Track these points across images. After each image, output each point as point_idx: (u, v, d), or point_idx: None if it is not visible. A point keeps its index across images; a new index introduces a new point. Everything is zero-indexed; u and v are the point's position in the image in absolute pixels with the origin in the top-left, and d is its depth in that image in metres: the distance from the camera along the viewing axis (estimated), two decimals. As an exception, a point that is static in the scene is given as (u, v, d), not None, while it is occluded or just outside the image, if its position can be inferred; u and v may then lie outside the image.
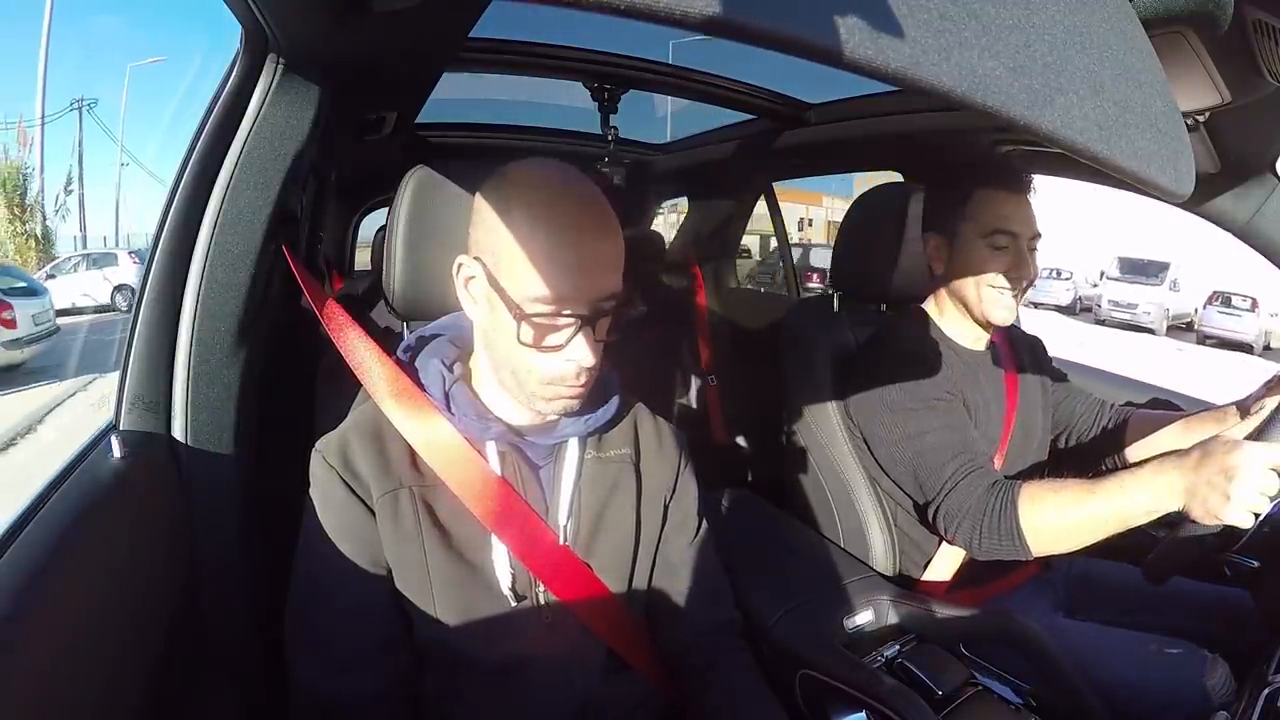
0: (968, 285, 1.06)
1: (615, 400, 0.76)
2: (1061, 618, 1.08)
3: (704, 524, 0.84)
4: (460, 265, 0.67)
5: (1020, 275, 1.02)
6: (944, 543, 1.07)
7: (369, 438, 0.69)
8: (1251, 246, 1.04)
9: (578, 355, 0.62)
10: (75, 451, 0.70)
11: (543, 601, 0.71)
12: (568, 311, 0.61)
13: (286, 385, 0.93)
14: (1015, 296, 1.04)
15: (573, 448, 0.74)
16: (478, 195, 0.66)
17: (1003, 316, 1.05)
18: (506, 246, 0.61)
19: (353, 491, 0.67)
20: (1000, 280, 1.03)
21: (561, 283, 0.60)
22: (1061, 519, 0.88)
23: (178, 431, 0.75)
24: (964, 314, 1.10)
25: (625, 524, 0.76)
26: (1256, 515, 0.74)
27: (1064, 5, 0.35)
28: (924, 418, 1.01)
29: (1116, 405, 1.22)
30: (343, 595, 0.67)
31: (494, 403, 0.72)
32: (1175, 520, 0.83)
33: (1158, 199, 0.49)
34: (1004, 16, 0.31)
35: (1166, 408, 1.24)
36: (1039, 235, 1.04)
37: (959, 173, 1.09)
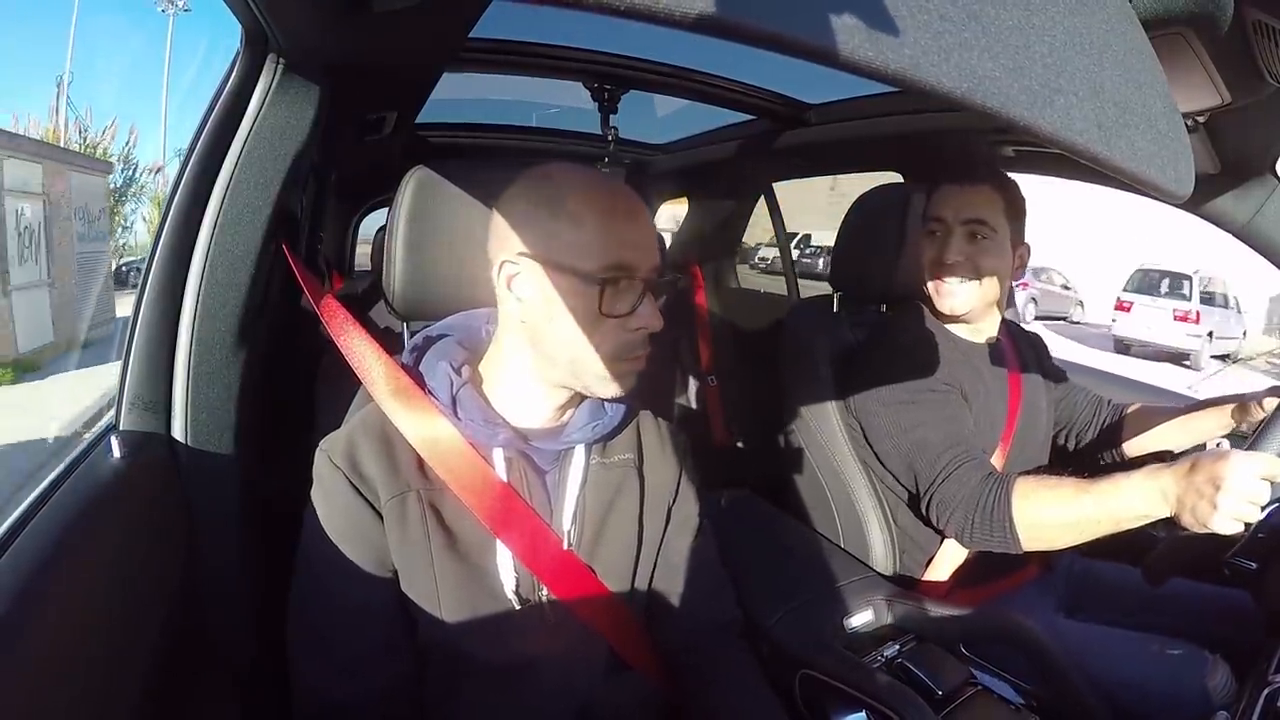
0: (925, 279, 1.09)
1: (621, 405, 0.76)
2: (1062, 618, 1.08)
3: (705, 525, 0.84)
4: (503, 264, 0.67)
5: (941, 259, 1.04)
6: (945, 542, 1.08)
7: (377, 440, 0.69)
8: (1251, 247, 1.04)
9: (646, 319, 0.66)
10: (75, 451, 0.70)
11: (546, 604, 0.71)
12: (634, 275, 0.65)
13: (286, 385, 0.93)
14: (956, 283, 1.05)
15: (579, 454, 0.74)
16: (512, 199, 0.67)
17: (948, 305, 1.07)
18: (569, 233, 0.64)
19: (360, 494, 0.67)
20: (931, 267, 1.06)
21: (626, 252, 0.64)
22: (1054, 515, 0.89)
23: (178, 432, 0.75)
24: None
25: (628, 528, 0.76)
26: (1247, 525, 0.75)
27: (1064, 6, 0.35)
28: (919, 410, 1.02)
29: (1114, 402, 1.23)
30: (346, 596, 0.67)
31: (503, 407, 0.71)
32: (1171, 523, 0.83)
33: (1158, 199, 0.49)
34: (1004, 17, 0.31)
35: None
36: (974, 220, 1.04)
37: (926, 170, 1.12)
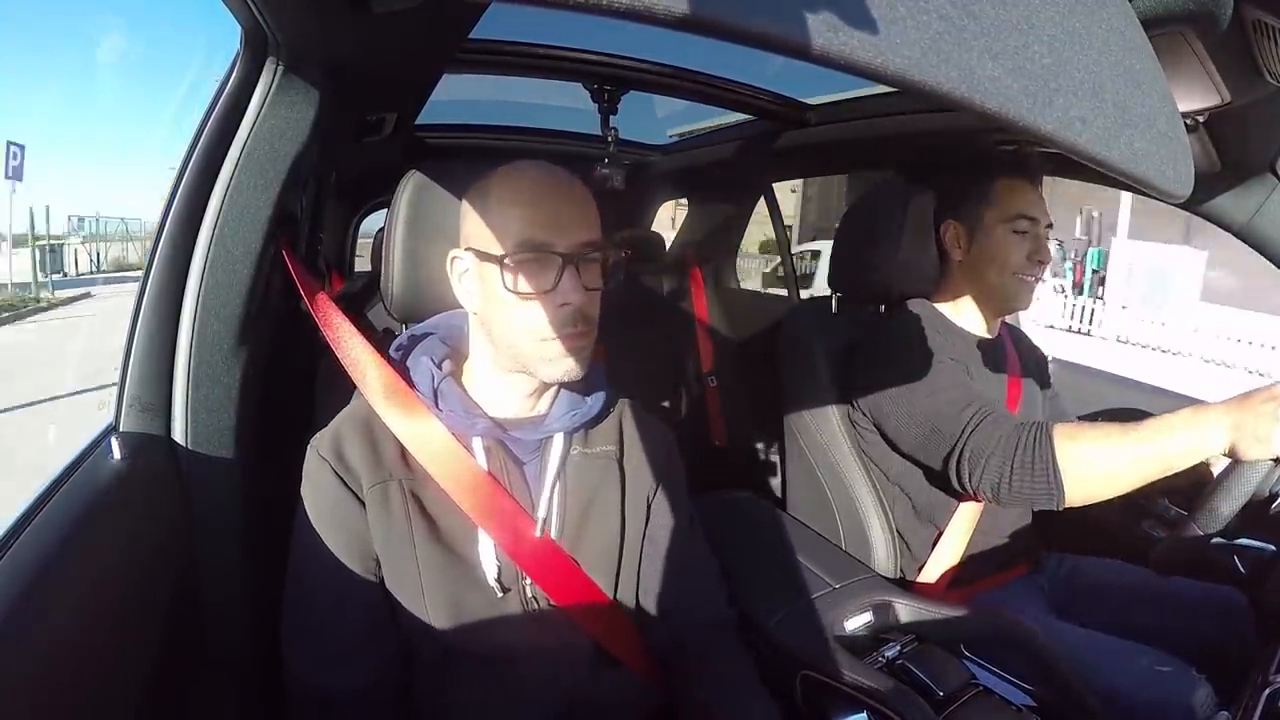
0: (990, 271, 1.09)
1: (601, 395, 0.76)
2: (1054, 619, 1.08)
3: (693, 520, 0.84)
4: (454, 260, 0.70)
5: (1039, 259, 1.06)
6: (938, 542, 1.08)
7: (361, 431, 0.70)
8: (1251, 246, 1.05)
9: (567, 294, 0.65)
10: (75, 453, 0.70)
11: (529, 595, 0.71)
12: (548, 251, 0.65)
13: (286, 387, 0.93)
14: (1035, 281, 1.08)
15: (558, 443, 0.74)
16: (465, 198, 0.70)
17: (1024, 301, 1.09)
18: (488, 219, 0.66)
19: (343, 482, 0.68)
20: (1023, 264, 1.06)
21: (537, 230, 0.65)
22: (1100, 455, 0.83)
23: (177, 434, 0.75)
24: (980, 301, 1.12)
25: (611, 520, 0.76)
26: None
27: (1064, 6, 0.35)
28: (934, 378, 1.01)
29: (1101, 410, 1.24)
30: (331, 587, 0.68)
31: (483, 399, 0.73)
32: (1176, 520, 0.83)
33: (1157, 199, 0.49)
34: (1003, 17, 0.31)
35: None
36: (1052, 224, 1.08)
37: (981, 162, 1.12)
